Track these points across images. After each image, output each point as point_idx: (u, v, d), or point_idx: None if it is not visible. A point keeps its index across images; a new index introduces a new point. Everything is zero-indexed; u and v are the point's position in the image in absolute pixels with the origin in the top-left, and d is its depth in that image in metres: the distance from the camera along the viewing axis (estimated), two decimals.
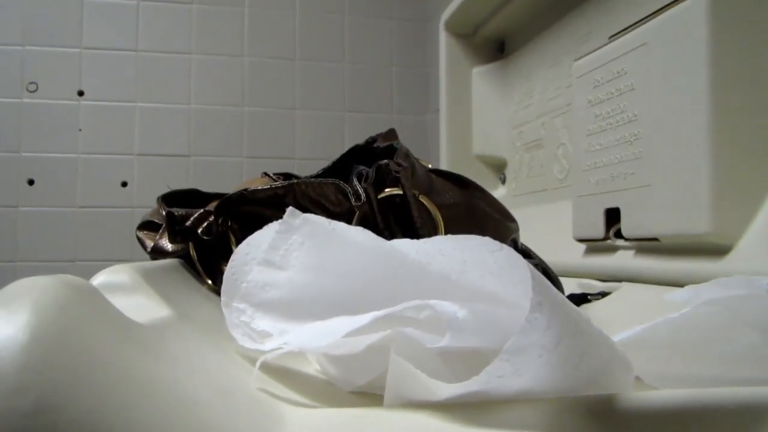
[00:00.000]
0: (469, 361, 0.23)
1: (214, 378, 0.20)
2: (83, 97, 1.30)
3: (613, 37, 0.63)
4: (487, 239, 0.22)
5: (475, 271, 0.24)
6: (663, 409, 0.23)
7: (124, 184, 1.31)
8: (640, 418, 0.22)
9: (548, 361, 0.19)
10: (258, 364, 0.22)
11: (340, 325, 0.23)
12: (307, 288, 0.26)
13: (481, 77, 1.05)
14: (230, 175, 1.34)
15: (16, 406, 0.15)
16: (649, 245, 0.57)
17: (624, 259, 0.60)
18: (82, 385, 0.15)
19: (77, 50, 1.30)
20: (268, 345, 0.25)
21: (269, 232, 0.28)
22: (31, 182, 1.27)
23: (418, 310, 0.22)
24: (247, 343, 0.25)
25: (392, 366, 0.20)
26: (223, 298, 0.27)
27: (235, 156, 1.36)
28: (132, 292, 0.27)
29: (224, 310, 0.27)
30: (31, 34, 1.28)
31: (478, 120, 1.05)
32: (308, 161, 1.38)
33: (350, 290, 0.26)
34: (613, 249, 0.62)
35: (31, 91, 1.28)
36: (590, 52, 0.66)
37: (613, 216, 0.60)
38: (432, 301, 0.21)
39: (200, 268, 0.46)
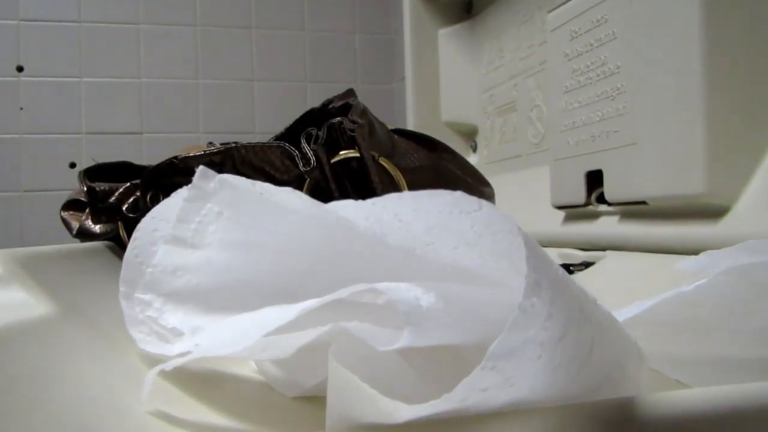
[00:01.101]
0: (443, 357, 0.18)
1: (78, 406, 0.14)
2: (23, 72, 1.21)
3: None
4: (460, 195, 0.16)
5: (446, 241, 0.19)
6: (693, 413, 0.17)
7: (73, 165, 1.23)
8: (668, 425, 0.17)
9: (549, 363, 0.14)
10: (149, 379, 0.16)
11: (268, 319, 0.17)
12: (229, 271, 0.20)
13: (447, 39, 0.99)
14: None
15: None
16: (635, 209, 0.52)
17: (608, 225, 0.55)
18: None
19: (14, 22, 1.20)
20: (176, 348, 0.19)
21: (178, 200, 0.22)
22: None
23: (371, 295, 0.17)
24: (151, 347, 0.20)
25: (332, 377, 0.14)
26: (122, 287, 0.21)
27: (192, 132, 1.29)
28: (2, 285, 0.20)
29: (123, 303, 0.21)
30: None
31: (446, 85, 0.99)
32: (269, 135, 1.30)
33: (286, 273, 0.20)
34: (596, 215, 0.57)
35: None
36: (566, 1, 0.60)
37: (594, 179, 0.55)
38: (382, 285, 0.16)
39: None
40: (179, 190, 0.22)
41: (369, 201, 0.19)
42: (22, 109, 1.20)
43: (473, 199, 0.16)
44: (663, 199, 0.47)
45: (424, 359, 0.17)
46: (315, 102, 1.30)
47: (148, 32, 1.26)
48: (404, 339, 0.14)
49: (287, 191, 0.20)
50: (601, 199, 0.55)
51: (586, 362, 0.16)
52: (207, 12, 1.29)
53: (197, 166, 0.37)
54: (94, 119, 1.24)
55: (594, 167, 0.55)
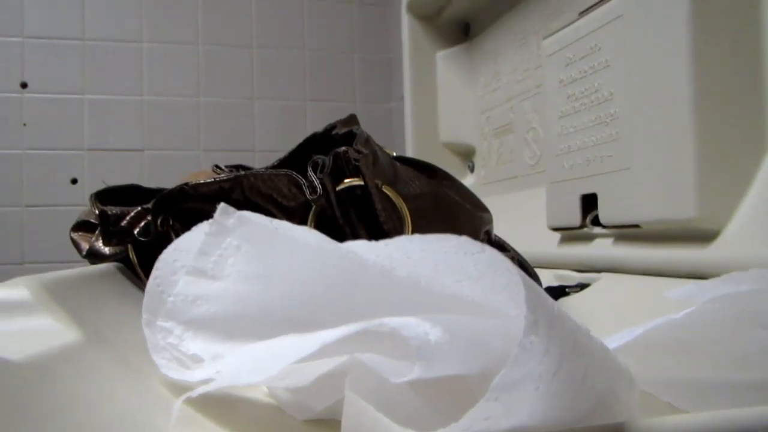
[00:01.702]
0: (449, 387, 0.19)
1: (114, 429, 0.16)
2: (27, 89, 1.22)
3: (584, 12, 0.59)
4: (465, 239, 0.18)
5: (450, 275, 0.20)
6: None
7: (74, 181, 1.24)
8: None
9: (546, 393, 0.15)
10: (177, 405, 0.18)
11: (285, 349, 0.19)
12: (246, 301, 0.22)
13: (445, 61, 1.01)
14: (187, 169, 1.28)
15: None
16: (629, 233, 0.53)
17: (602, 248, 0.56)
18: None
19: (19, 39, 1.22)
20: (197, 374, 0.20)
21: (199, 234, 0.23)
22: None
23: (382, 329, 0.18)
24: (173, 372, 0.21)
25: (347, 406, 0.15)
26: (144, 315, 0.22)
27: (192, 149, 1.30)
28: (31, 312, 0.22)
29: (146, 330, 0.22)
30: None
31: (444, 106, 1.01)
32: (269, 153, 1.32)
33: (299, 303, 0.21)
34: (591, 237, 0.58)
35: None
36: (561, 29, 0.62)
37: (589, 202, 0.57)
38: (395, 321, 0.17)
39: (141, 273, 0.41)
40: (200, 225, 0.23)
41: (381, 242, 0.20)
42: (25, 124, 1.22)
43: (477, 243, 0.17)
44: (655, 223, 0.49)
45: (431, 389, 0.18)
46: (314, 120, 1.31)
47: (150, 50, 1.28)
48: (416, 372, 0.15)
49: (302, 229, 0.22)
50: (595, 222, 0.57)
51: (580, 391, 0.17)
52: (209, 31, 1.31)
53: (207, 192, 0.39)
54: (96, 136, 1.25)
55: (589, 191, 0.56)
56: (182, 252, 0.24)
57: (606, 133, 0.54)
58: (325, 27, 1.38)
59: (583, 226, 0.58)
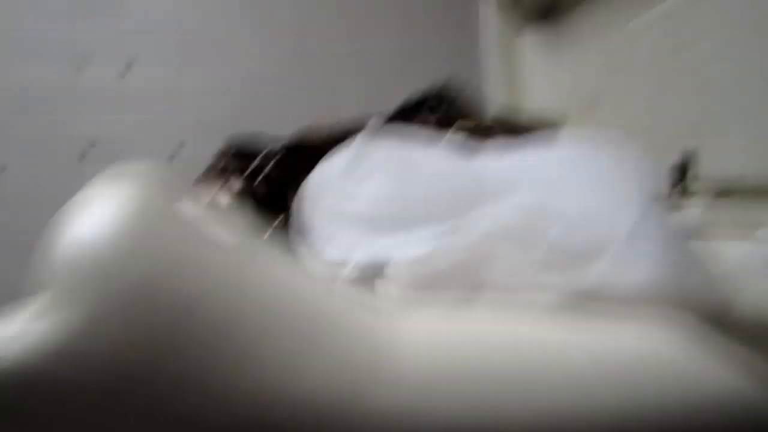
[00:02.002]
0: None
1: (297, 299, 0.20)
2: (128, 73, 1.31)
3: None
4: (584, 147, 0.21)
5: (565, 186, 0.24)
6: None
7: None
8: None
9: (659, 259, 0.19)
10: (346, 271, 0.22)
11: (427, 238, 0.23)
12: (390, 201, 0.26)
13: (530, 41, 1.02)
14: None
15: (126, 275, 0.15)
16: (725, 189, 0.55)
17: (698, 207, 0.57)
18: (185, 259, 0.14)
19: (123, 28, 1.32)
20: (354, 255, 0.25)
21: (342, 155, 0.27)
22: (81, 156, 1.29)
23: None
24: (333, 256, 0.25)
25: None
26: (302, 215, 0.27)
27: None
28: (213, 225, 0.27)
29: (306, 225, 0.27)
30: (81, 7, 1.30)
31: (528, 84, 1.02)
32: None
33: (434, 204, 0.25)
34: (687, 198, 0.59)
35: (79, 67, 1.30)
36: (648, 9, 0.63)
37: (684, 167, 0.58)
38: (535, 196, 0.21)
39: (267, 206, 0.47)
40: (350, 143, 0.28)
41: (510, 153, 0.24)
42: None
43: (594, 153, 0.21)
44: (751, 179, 0.50)
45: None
46: (398, 97, 1.32)
47: (244, 35, 1.35)
48: (554, 233, 0.19)
49: (431, 147, 0.26)
50: (690, 184, 0.58)
51: (687, 269, 0.20)
52: (299, 17, 1.37)
53: (324, 139, 0.44)
54: (195, 115, 1.33)
55: (683, 156, 0.58)
56: (327, 169, 0.28)
57: (699, 104, 0.56)
58: (411, 8, 1.41)
59: (677, 188, 0.59)
